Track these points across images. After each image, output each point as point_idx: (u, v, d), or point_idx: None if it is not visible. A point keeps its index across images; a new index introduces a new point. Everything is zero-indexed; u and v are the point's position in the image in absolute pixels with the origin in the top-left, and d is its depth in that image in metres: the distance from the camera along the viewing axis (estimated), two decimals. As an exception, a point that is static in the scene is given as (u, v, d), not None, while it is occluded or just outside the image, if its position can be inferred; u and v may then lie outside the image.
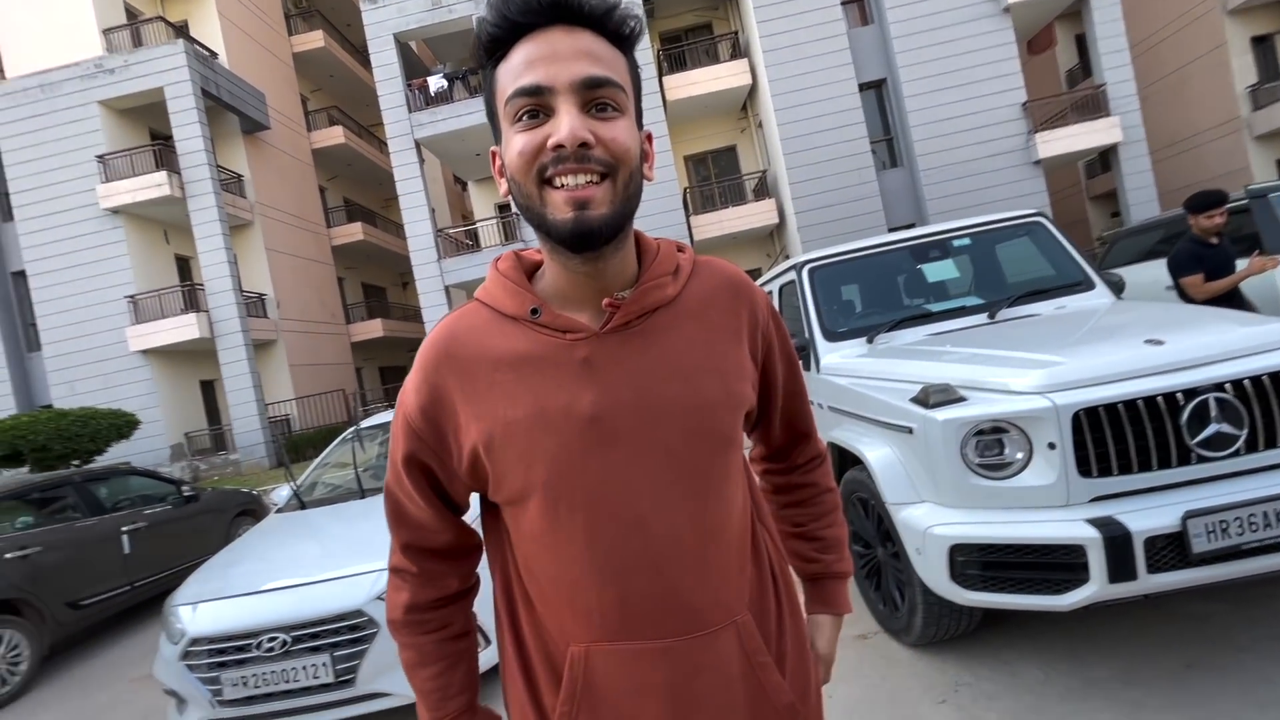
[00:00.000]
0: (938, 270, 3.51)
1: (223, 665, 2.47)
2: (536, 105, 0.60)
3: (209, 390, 16.24)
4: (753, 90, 14.10)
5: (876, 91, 13.46)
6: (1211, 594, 2.43)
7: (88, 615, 4.51)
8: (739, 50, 14.20)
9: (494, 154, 0.69)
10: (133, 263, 13.71)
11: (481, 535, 0.80)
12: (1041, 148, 12.36)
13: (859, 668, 2.42)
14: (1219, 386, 1.88)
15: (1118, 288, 3.29)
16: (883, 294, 3.63)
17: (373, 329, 20.22)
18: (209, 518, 5.78)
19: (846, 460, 2.87)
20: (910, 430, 2.24)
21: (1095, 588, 1.81)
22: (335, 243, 19.69)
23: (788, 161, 12.92)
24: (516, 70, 0.61)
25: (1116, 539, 1.78)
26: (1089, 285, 3.26)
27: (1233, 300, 3.59)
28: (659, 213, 13.15)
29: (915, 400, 2.23)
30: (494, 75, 0.64)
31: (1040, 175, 12.66)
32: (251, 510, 6.41)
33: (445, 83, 13.67)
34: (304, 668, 2.42)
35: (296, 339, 16.72)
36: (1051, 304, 3.18)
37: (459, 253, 14.50)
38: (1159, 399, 1.88)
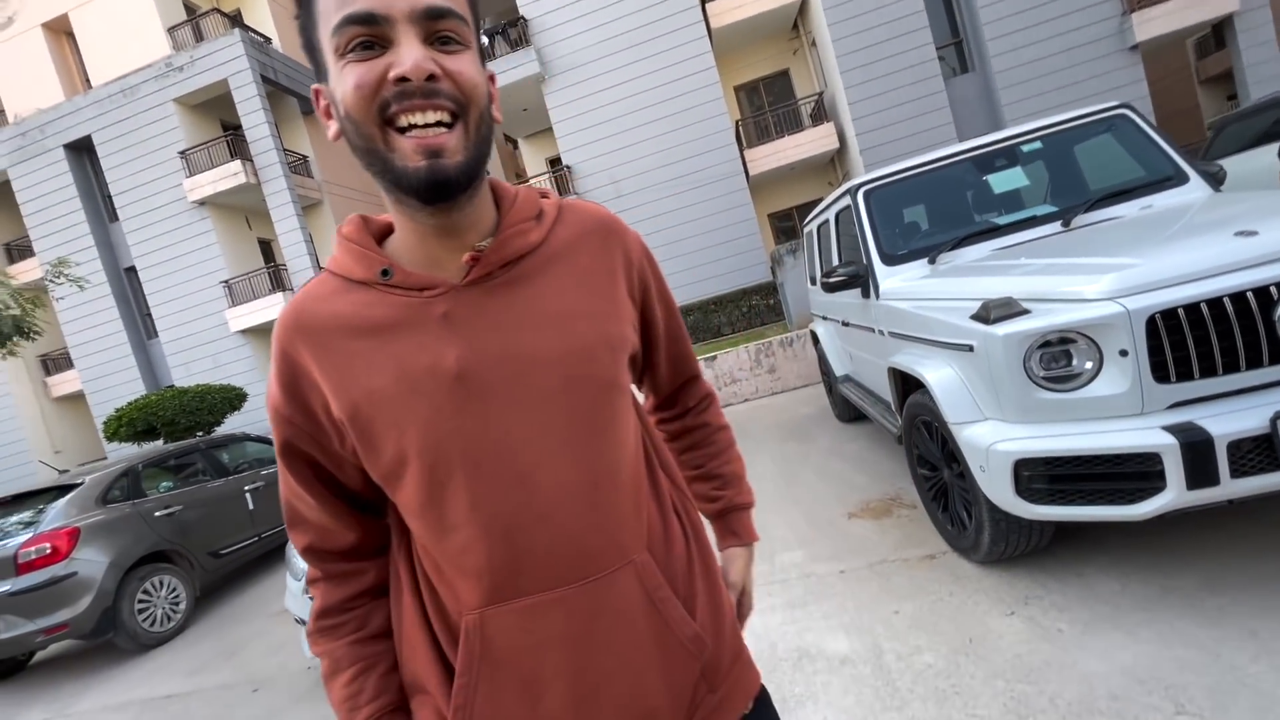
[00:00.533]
0: (1005, 180, 3.29)
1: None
2: (371, 36, 0.55)
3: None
4: (803, 6, 13.18)
5: (943, -12, 12.28)
6: (1316, 500, 2.28)
7: (226, 562, 5.16)
8: (786, -37, 13.22)
9: (317, 92, 0.62)
10: (222, 250, 14.75)
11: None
12: (1139, 29, 10.97)
13: (925, 585, 2.46)
14: (1321, 275, 1.72)
15: (1216, 180, 2.98)
16: (946, 211, 3.44)
17: (442, 294, 20.99)
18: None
19: (909, 385, 2.84)
20: (971, 348, 2.18)
21: (1172, 495, 1.75)
22: (399, 213, 20.34)
23: (845, 80, 12.12)
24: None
25: (1197, 444, 1.71)
26: (1181, 179, 2.98)
27: None
28: (710, 150, 12.77)
29: (975, 317, 2.16)
30: (312, 1, 0.58)
31: (1138, 62, 11.28)
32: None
33: (486, 39, 13.55)
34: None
35: (374, 309, 17.62)
36: (1137, 204, 2.94)
37: (515, 212, 14.66)
38: (1249, 294, 1.75)
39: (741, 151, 13.22)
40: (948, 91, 11.97)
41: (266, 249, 16.83)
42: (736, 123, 13.81)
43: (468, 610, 0.64)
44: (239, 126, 14.93)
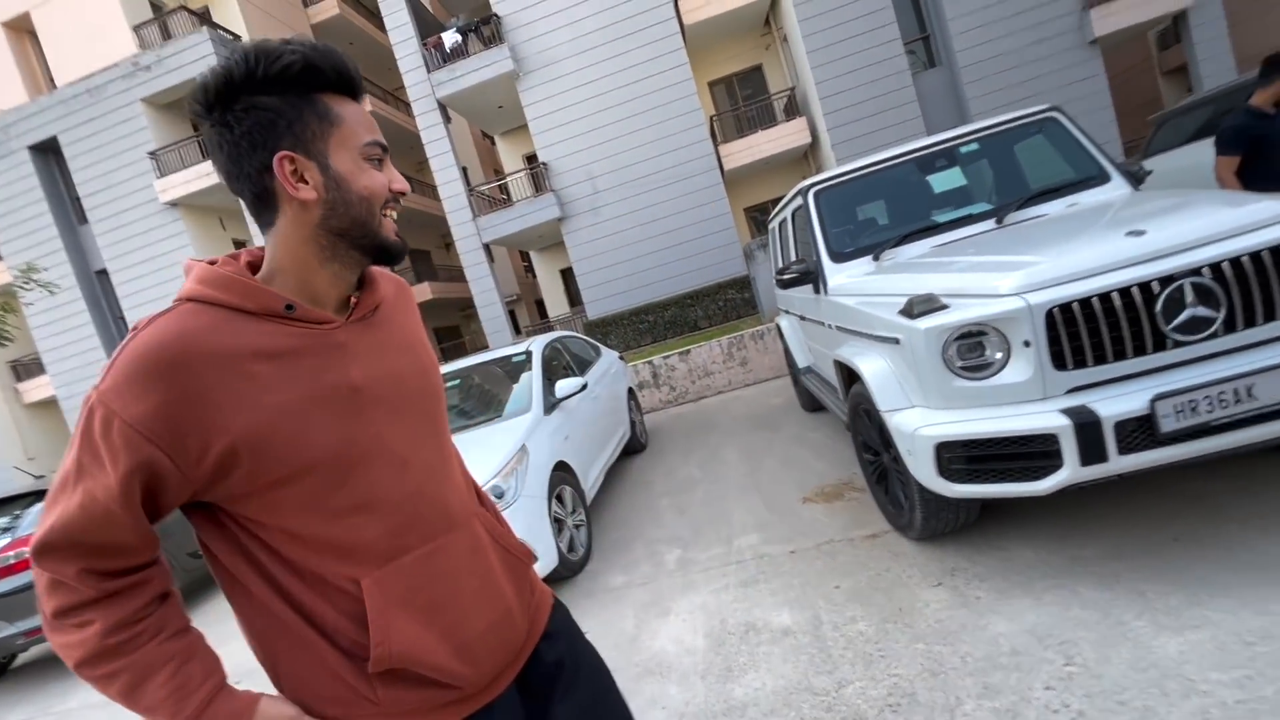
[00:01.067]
0: (945, 180, 3.48)
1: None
2: (381, 157, 0.84)
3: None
4: (775, 2, 13.34)
5: (910, -16, 12.50)
6: (1213, 473, 2.50)
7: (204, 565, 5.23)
8: (757, -41, 13.36)
9: (290, 158, 0.77)
10: (196, 251, 14.60)
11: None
12: (1097, 24, 11.28)
13: (866, 562, 2.65)
14: (1195, 271, 1.91)
15: (1136, 179, 3.19)
16: (891, 210, 3.63)
17: (422, 293, 20.88)
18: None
19: (852, 376, 3.01)
20: (898, 341, 2.36)
21: (1068, 472, 1.94)
22: (376, 212, 20.23)
23: (816, 75, 12.31)
24: (366, 124, 0.83)
25: (1087, 425, 1.90)
26: (1104, 179, 3.18)
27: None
28: (685, 145, 12.91)
29: (901, 312, 2.33)
30: (326, 106, 0.79)
31: (1098, 56, 11.60)
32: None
33: (459, 36, 13.54)
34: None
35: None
36: (1064, 202, 3.14)
37: (493, 209, 14.72)
38: (1134, 289, 1.94)
39: (716, 147, 13.38)
40: (916, 86, 12.22)
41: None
42: (711, 118, 13.96)
43: (364, 575, 0.79)
44: (210, 126, 14.76)
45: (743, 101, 14.87)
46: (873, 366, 2.55)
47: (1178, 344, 1.94)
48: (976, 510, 2.55)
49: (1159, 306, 1.93)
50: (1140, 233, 2.05)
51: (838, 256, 3.43)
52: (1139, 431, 1.89)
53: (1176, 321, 1.92)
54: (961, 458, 2.15)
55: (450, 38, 13.55)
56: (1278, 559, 1.93)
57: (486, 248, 13.93)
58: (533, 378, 4.21)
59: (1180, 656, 1.68)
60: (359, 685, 0.79)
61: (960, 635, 2.03)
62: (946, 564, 2.46)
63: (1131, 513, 2.42)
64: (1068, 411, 1.94)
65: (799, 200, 3.88)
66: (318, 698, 0.80)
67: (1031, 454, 2.01)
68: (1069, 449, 1.93)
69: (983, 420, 2.10)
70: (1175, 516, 2.31)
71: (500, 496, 3.11)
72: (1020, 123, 3.44)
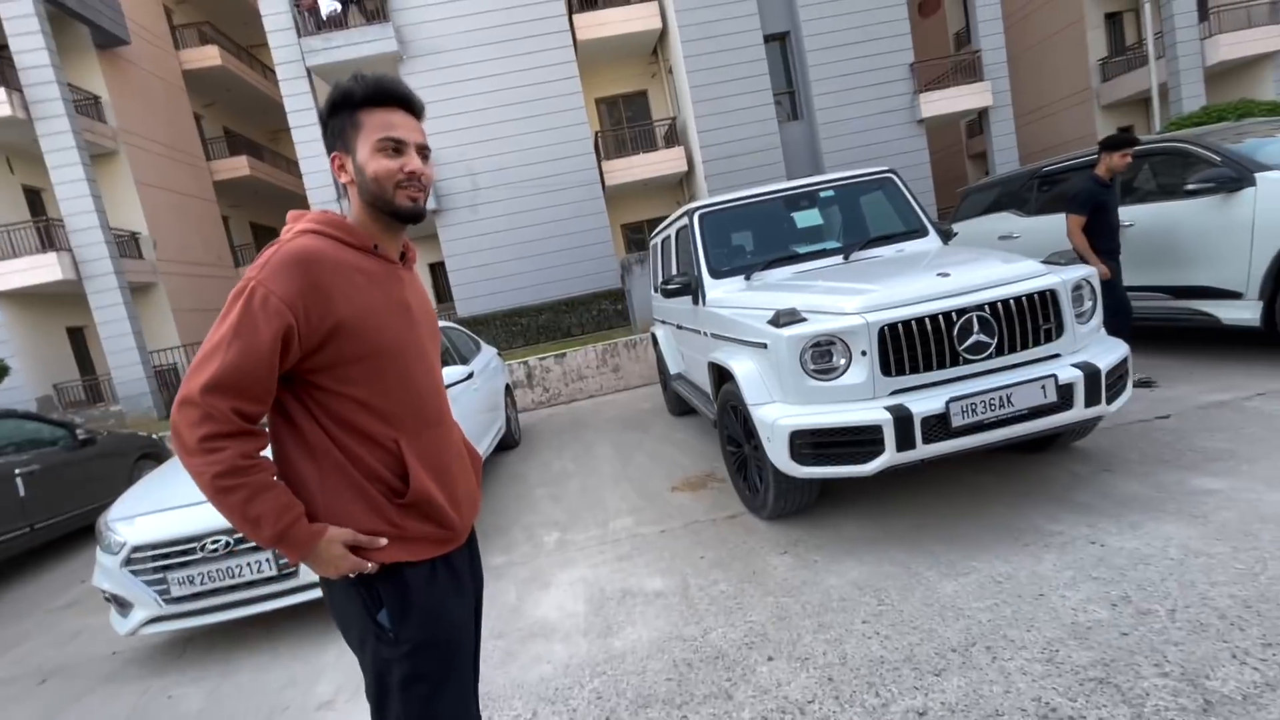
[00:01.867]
0: (806, 218, 4.08)
1: (167, 568, 2.72)
2: (397, 147, 1.11)
3: (78, 338, 14.84)
4: (663, 35, 14.14)
5: (781, 44, 13.91)
6: (982, 467, 3.23)
7: (-13, 556, 4.45)
8: (650, -9, 14.10)
9: (338, 156, 1.14)
10: (-29, 193, 12.10)
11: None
12: (924, 108, 13.39)
13: (726, 537, 3.04)
14: (980, 307, 2.53)
15: (946, 235, 3.99)
16: (762, 238, 4.16)
17: (266, 272, 18.97)
18: (110, 461, 5.66)
19: (723, 377, 3.43)
20: (765, 346, 2.79)
21: (888, 455, 2.45)
22: (218, 177, 18.07)
23: (696, 110, 13.23)
24: (383, 125, 1.10)
25: (902, 419, 2.42)
26: (924, 233, 3.94)
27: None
28: (570, 156, 13.17)
29: (770, 322, 2.77)
30: (356, 117, 1.10)
31: (922, 134, 13.74)
32: (154, 454, 6.29)
33: (339, 5, 12.71)
34: (248, 564, 2.71)
35: (179, 282, 15.50)
36: (894, 248, 3.84)
37: (360, 192, 13.86)
38: (939, 317, 2.52)
39: (599, 162, 13.80)
40: (781, 133, 13.58)
41: (35, 199, 14.11)
42: (596, 133, 14.37)
43: (401, 438, 1.11)
44: (4, 46, 12.40)
45: (627, 123, 15.47)
46: (744, 367, 2.97)
47: (967, 360, 2.54)
48: (816, 492, 3.05)
49: (955, 331, 2.52)
50: (946, 275, 2.65)
51: (716, 273, 3.87)
52: (938, 425, 2.45)
53: (966, 343, 2.53)
54: (810, 444, 2.61)
55: (328, 4, 12.68)
56: (1020, 527, 2.59)
57: (350, 232, 13.06)
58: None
59: (954, 594, 2.22)
60: (390, 513, 1.09)
61: (801, 589, 2.45)
62: (791, 537, 2.91)
63: (928, 496, 3.05)
64: (890, 408, 2.45)
65: (684, 220, 4.29)
66: (355, 522, 1.07)
67: (862, 441, 2.51)
68: (889, 437, 2.44)
69: (828, 414, 2.57)
70: (957, 498, 2.96)
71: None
72: (866, 179, 4.14)
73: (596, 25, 13.39)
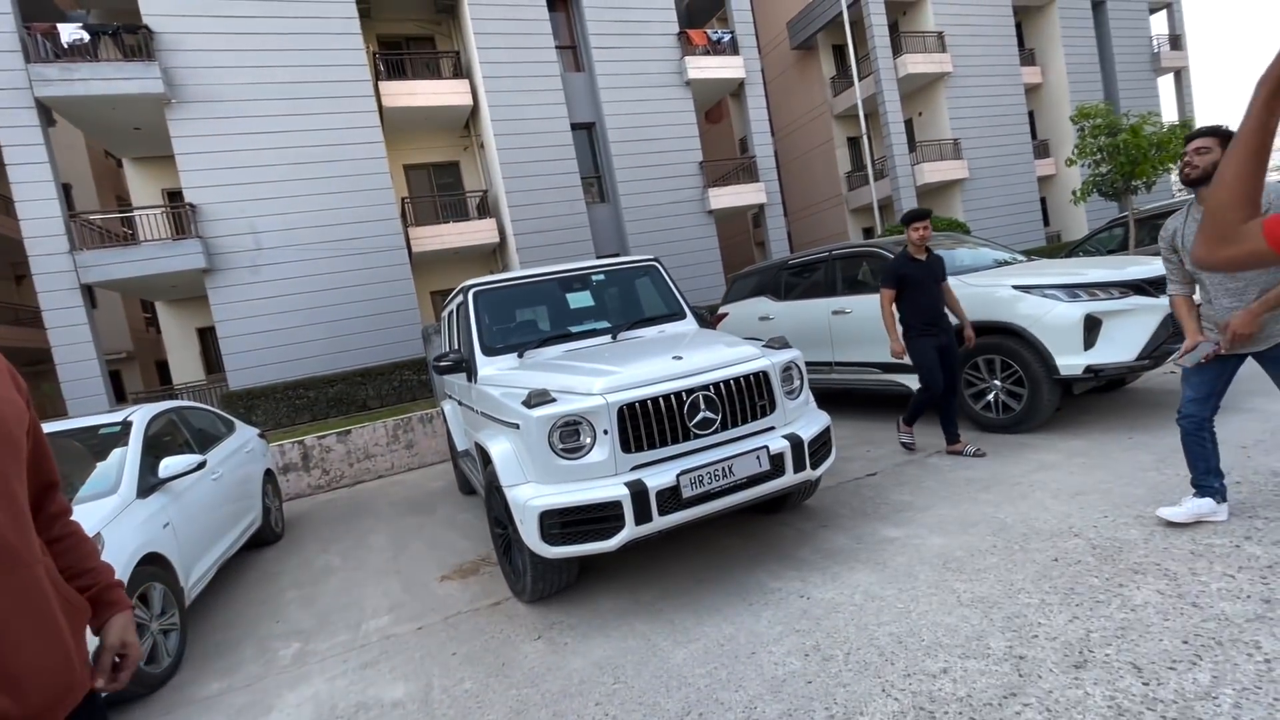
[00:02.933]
0: (579, 299, 4.30)
1: None
2: None
3: None
4: (475, 111, 14.46)
5: (588, 132, 14.96)
6: (731, 528, 3.52)
7: None
8: (461, 70, 14.44)
9: None
10: None
11: None
12: (713, 200, 15.17)
13: (485, 628, 2.92)
14: (705, 387, 2.83)
15: (702, 319, 4.46)
16: (538, 316, 4.29)
17: (-41, 335, 15.05)
18: None
19: (486, 459, 3.38)
20: (518, 426, 2.82)
21: (628, 530, 2.57)
22: (-110, 215, 14.23)
23: (507, 185, 13.55)
24: None
25: (639, 494, 2.57)
26: (683, 316, 4.36)
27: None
28: (372, 220, 12.59)
29: (523, 403, 2.82)
30: None
31: (712, 223, 15.49)
32: None
33: (86, 35, 11.09)
34: None
35: None
36: (656, 329, 4.18)
37: (106, 244, 11.80)
38: (672, 396, 2.76)
39: (406, 228, 13.37)
40: (590, 213, 14.40)
41: None
42: (403, 200, 13.98)
43: None
44: None
45: (438, 191, 15.31)
46: (500, 448, 2.97)
47: (696, 436, 2.80)
48: (575, 571, 3.08)
49: (686, 409, 2.78)
50: (680, 357, 2.94)
51: (489, 350, 3.88)
52: (671, 498, 2.64)
53: (695, 420, 2.79)
54: (558, 524, 2.64)
55: (72, 32, 11.01)
56: (749, 586, 2.85)
57: (88, 289, 10.97)
58: (127, 454, 3.53)
59: (682, 663, 2.34)
60: None
61: (545, 677, 2.41)
62: (549, 619, 2.88)
63: (677, 563, 3.23)
64: (628, 484, 2.59)
65: (460, 297, 4.28)
66: None
67: (605, 518, 2.60)
68: (629, 512, 2.57)
69: (574, 492, 2.64)
70: (702, 562, 3.18)
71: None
72: (632, 265, 4.51)
73: (406, 94, 13.29)
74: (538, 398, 2.77)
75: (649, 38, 14.87)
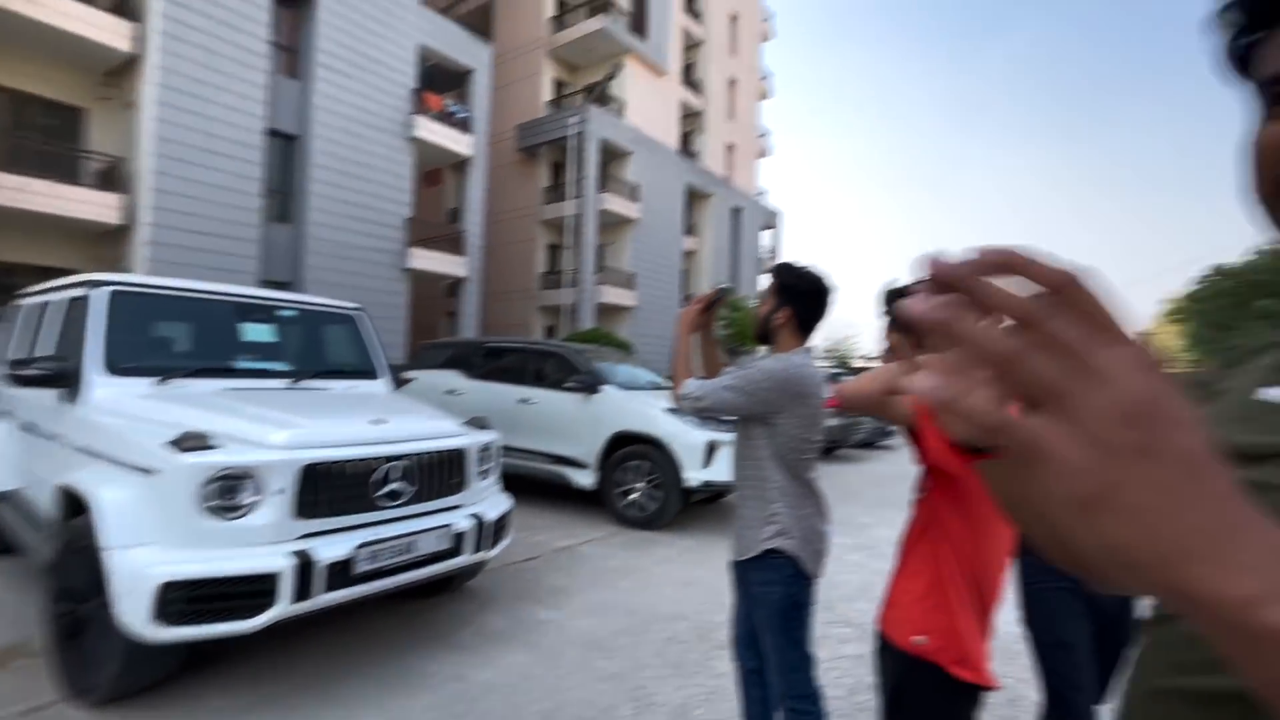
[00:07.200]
0: (256, 331, 3.75)
1: None
2: None
3: None
4: (134, 63, 11.52)
5: (286, 143, 13.25)
6: (390, 610, 3.33)
7: None
8: (128, 6, 11.48)
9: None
10: None
11: None
12: (413, 259, 14.75)
13: (12, 744, 2.11)
14: (404, 457, 2.77)
15: (399, 382, 4.30)
16: (194, 339, 3.57)
17: None
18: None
19: (74, 509, 2.59)
20: (155, 472, 2.29)
21: (281, 607, 2.27)
22: None
23: (158, 165, 10.93)
24: None
25: (305, 566, 2.32)
26: (377, 375, 4.15)
27: None
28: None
29: (172, 443, 2.32)
30: None
31: (406, 280, 14.94)
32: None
33: None
34: None
35: None
36: (346, 384, 3.87)
37: None
38: (369, 461, 2.62)
39: (-38, 163, 9.47)
40: (264, 230, 12.44)
41: None
42: (-30, 125, 9.98)
43: None
44: None
45: (44, 134, 11.39)
46: (112, 496, 2.33)
47: (382, 506, 2.68)
48: (180, 659, 2.50)
49: (377, 477, 2.66)
50: (383, 421, 2.83)
51: (116, 368, 3.05)
52: (341, 572, 2.44)
53: (384, 490, 2.69)
54: (184, 598, 2.17)
55: None
56: (406, 671, 2.73)
57: None
58: None
59: (320, 760, 2.10)
60: None
61: (118, 801, 1.88)
62: (129, 725, 2.25)
63: (321, 647, 2.90)
64: (295, 554, 2.32)
65: (84, 291, 3.31)
66: None
67: (253, 592, 2.25)
68: (286, 587, 2.28)
69: (218, 560, 2.23)
70: (356, 647, 2.92)
71: None
72: (334, 309, 4.17)
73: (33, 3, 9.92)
74: (193, 440, 2.32)
75: (383, 82, 14.36)
